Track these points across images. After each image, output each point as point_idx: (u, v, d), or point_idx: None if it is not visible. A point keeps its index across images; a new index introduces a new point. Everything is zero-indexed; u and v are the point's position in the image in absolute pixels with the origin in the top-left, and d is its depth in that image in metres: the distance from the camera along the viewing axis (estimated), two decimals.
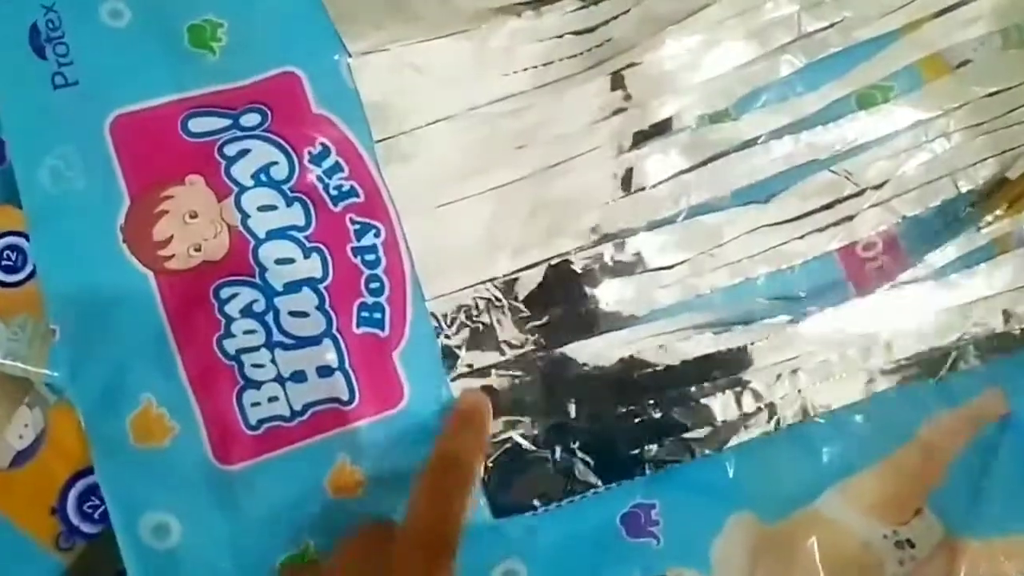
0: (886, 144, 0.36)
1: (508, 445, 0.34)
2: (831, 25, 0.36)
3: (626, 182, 0.35)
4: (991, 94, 0.36)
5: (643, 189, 0.35)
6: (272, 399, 0.33)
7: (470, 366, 0.34)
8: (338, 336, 0.34)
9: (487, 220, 0.35)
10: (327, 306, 0.34)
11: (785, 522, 0.34)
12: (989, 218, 0.35)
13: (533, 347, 0.35)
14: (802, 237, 0.36)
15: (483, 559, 0.34)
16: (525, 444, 0.34)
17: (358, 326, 0.34)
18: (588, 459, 0.34)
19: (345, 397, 0.33)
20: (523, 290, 0.35)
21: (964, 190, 0.36)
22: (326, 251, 0.34)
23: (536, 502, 0.34)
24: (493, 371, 0.34)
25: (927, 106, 0.36)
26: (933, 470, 0.34)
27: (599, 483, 0.34)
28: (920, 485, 0.34)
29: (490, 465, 0.34)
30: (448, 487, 0.31)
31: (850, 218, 0.36)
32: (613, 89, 0.36)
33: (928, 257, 0.35)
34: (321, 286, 0.34)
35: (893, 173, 0.36)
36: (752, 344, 0.35)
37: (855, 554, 0.34)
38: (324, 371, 0.33)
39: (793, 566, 0.34)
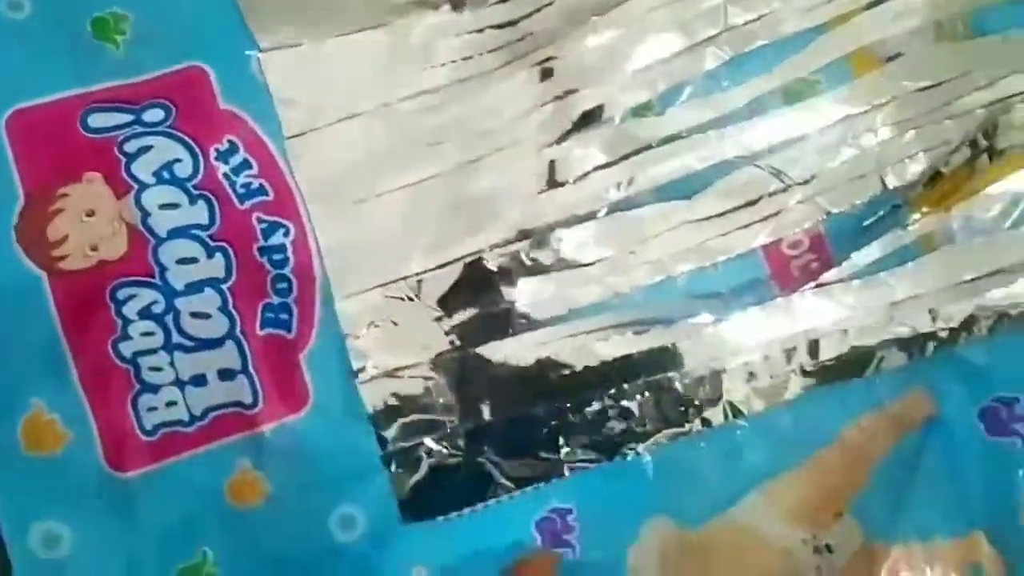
0: (813, 140, 0.35)
1: (421, 451, 0.33)
2: (759, 17, 0.35)
3: (547, 177, 0.34)
4: (922, 89, 0.35)
5: (564, 184, 0.34)
6: (170, 404, 0.32)
7: (379, 367, 0.33)
8: (241, 338, 0.33)
9: (402, 217, 0.34)
10: (231, 307, 0.33)
11: (703, 528, 0.33)
12: (917, 216, 0.34)
13: (447, 348, 0.34)
14: (726, 234, 0.34)
15: (390, 566, 0.33)
16: (436, 448, 0.33)
17: (263, 327, 0.33)
18: (503, 463, 0.33)
19: (248, 401, 0.32)
20: (437, 289, 0.34)
21: (892, 187, 0.35)
22: (230, 250, 0.33)
23: (448, 507, 0.33)
24: (405, 373, 0.33)
25: (856, 101, 0.35)
26: (856, 473, 0.33)
27: (514, 487, 0.33)
28: (842, 489, 0.33)
29: (400, 470, 0.33)
30: None
31: (775, 215, 0.35)
32: (536, 82, 0.35)
33: (854, 255, 0.34)
34: (224, 286, 0.33)
35: (820, 169, 0.35)
36: (674, 344, 0.34)
37: (772, 561, 0.33)
38: (226, 374, 0.32)
39: (709, 574, 0.33)
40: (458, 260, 0.34)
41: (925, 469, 0.33)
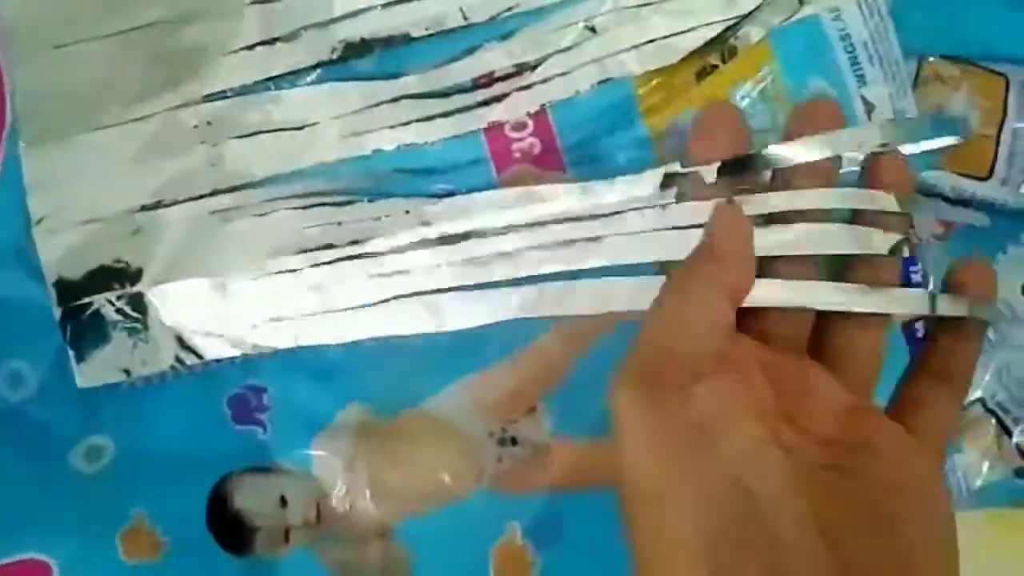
0: (546, 19, 0.33)
1: (101, 311, 0.31)
2: None
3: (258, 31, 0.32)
4: None
5: (274, 42, 0.32)
6: None
7: (64, 219, 0.31)
8: None
9: (104, 67, 0.32)
10: None
11: (395, 416, 0.32)
12: (644, 108, 0.32)
13: (146, 203, 0.32)
14: (447, 114, 0.32)
15: (64, 430, 0.31)
16: (119, 308, 0.32)
17: None
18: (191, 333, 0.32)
19: None
20: (134, 143, 0.32)
21: (626, 73, 0.32)
22: None
23: (130, 373, 0.32)
24: (90, 228, 0.32)
25: None
26: (559, 367, 0.32)
27: (199, 360, 0.32)
28: (541, 381, 0.32)
29: (76, 330, 0.31)
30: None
31: (502, 97, 0.33)
32: None
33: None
34: None
35: (551, 50, 0.32)
36: (379, 219, 0.32)
37: (454, 451, 0.32)
38: None
39: (394, 460, 0.32)
40: (154, 115, 0.32)
41: None
